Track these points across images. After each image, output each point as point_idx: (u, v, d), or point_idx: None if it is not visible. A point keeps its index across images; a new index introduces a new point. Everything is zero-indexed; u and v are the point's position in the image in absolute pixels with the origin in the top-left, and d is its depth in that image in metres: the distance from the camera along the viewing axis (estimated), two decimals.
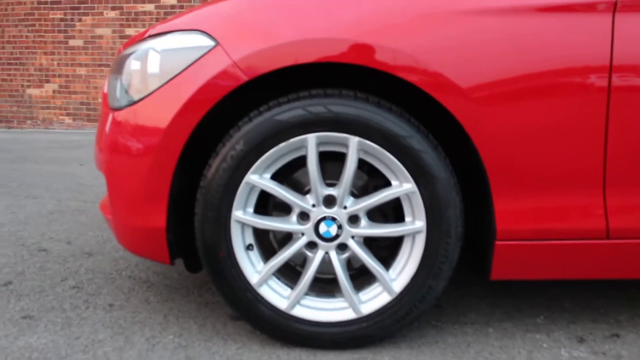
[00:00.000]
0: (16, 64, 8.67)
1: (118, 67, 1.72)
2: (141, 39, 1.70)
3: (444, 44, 1.48)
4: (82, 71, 8.40)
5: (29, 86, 8.66)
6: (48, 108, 8.62)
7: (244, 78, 1.49)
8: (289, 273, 1.69)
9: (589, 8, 1.48)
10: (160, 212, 1.60)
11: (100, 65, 8.33)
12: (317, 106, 1.49)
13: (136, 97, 1.61)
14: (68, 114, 8.52)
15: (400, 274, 1.59)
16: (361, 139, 1.50)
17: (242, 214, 1.57)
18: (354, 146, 1.51)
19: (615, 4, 1.47)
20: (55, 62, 8.48)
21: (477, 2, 1.49)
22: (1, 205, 3.38)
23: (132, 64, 1.65)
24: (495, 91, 1.47)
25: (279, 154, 1.53)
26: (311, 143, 1.51)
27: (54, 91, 8.56)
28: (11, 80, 8.76)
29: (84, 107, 8.44)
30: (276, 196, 1.57)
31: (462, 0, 1.49)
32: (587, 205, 1.53)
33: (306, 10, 1.53)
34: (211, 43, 1.54)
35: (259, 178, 1.54)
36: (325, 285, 1.69)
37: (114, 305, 1.94)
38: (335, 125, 1.50)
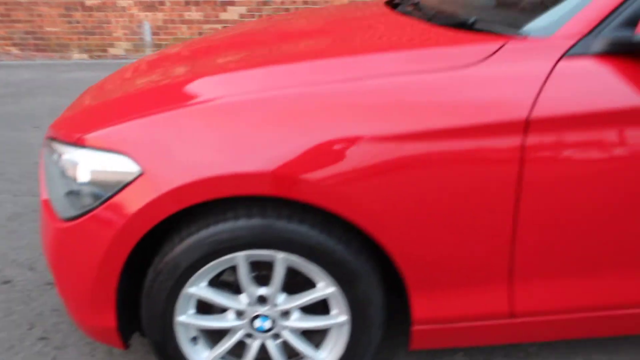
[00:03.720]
0: None
1: (53, 172, 1.74)
2: (69, 140, 1.70)
3: (353, 170, 1.54)
4: None
5: None
6: None
7: (174, 209, 1.57)
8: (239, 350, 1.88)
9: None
10: (109, 314, 1.74)
11: None
12: (242, 230, 1.60)
13: (74, 214, 1.67)
14: (14, 44, 8.16)
15: (329, 354, 1.80)
16: (286, 254, 1.63)
17: (185, 317, 1.72)
18: (280, 261, 1.64)
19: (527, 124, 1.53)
20: None
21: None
22: None
23: (68, 173, 1.67)
24: (404, 212, 1.57)
25: (212, 268, 1.66)
26: (241, 260, 1.64)
27: None
28: None
29: (30, 36, 8.07)
30: (213, 302, 1.72)
31: (375, 126, 1.54)
32: (493, 297, 1.71)
33: (229, 145, 1.56)
34: (136, 169, 1.58)
35: (196, 289, 1.68)
36: None
37: None
38: (262, 244, 1.62)
